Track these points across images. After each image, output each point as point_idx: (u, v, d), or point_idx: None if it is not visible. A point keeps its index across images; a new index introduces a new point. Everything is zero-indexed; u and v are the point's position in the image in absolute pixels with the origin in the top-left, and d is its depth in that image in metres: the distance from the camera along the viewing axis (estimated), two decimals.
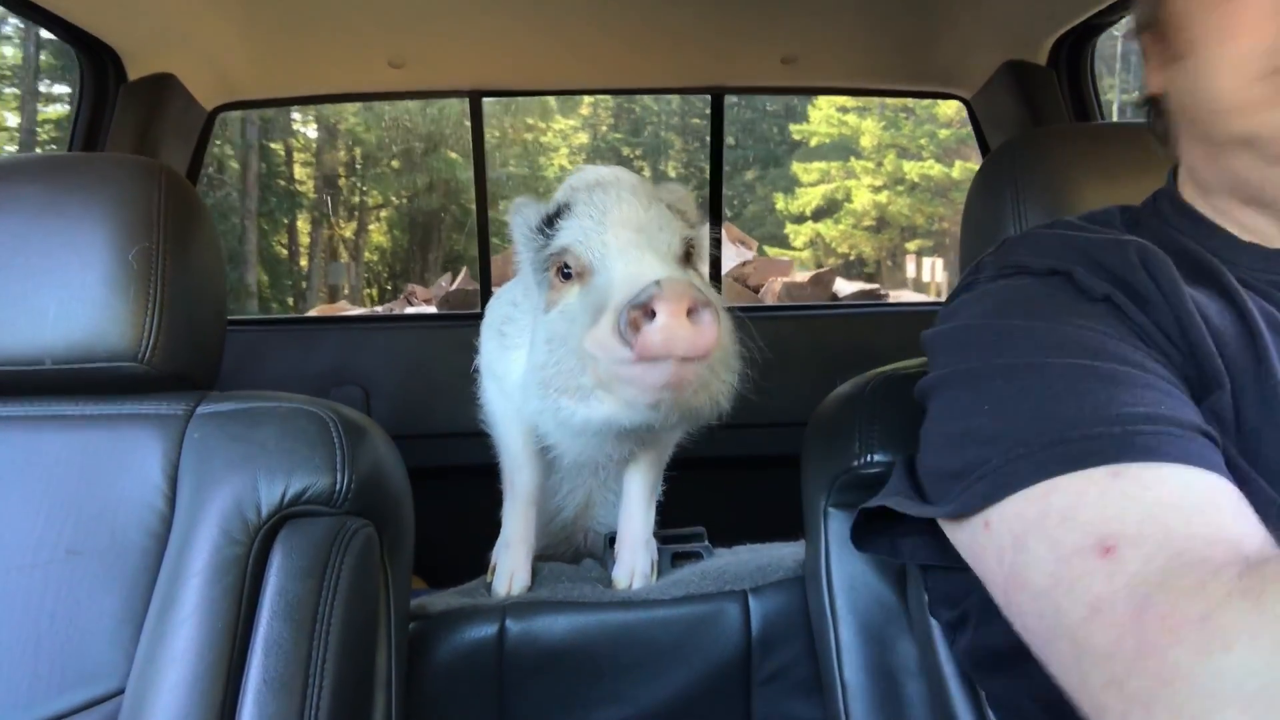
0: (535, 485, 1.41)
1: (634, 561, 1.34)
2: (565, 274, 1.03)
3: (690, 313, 0.83)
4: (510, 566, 1.34)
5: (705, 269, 1.15)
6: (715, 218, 2.54)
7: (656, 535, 1.41)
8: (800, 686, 1.21)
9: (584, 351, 0.92)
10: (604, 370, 0.91)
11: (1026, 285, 0.70)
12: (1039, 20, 1.89)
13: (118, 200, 0.91)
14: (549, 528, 1.55)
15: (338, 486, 0.90)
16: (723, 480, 2.22)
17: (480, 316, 2.69)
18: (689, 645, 1.24)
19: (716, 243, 2.62)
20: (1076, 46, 1.96)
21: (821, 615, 1.07)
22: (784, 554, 1.33)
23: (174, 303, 0.92)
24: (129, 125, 1.94)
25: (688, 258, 1.05)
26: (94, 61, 1.90)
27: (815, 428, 1.09)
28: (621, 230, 0.99)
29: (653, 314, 0.83)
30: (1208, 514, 0.54)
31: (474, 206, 2.58)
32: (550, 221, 1.07)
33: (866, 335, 2.35)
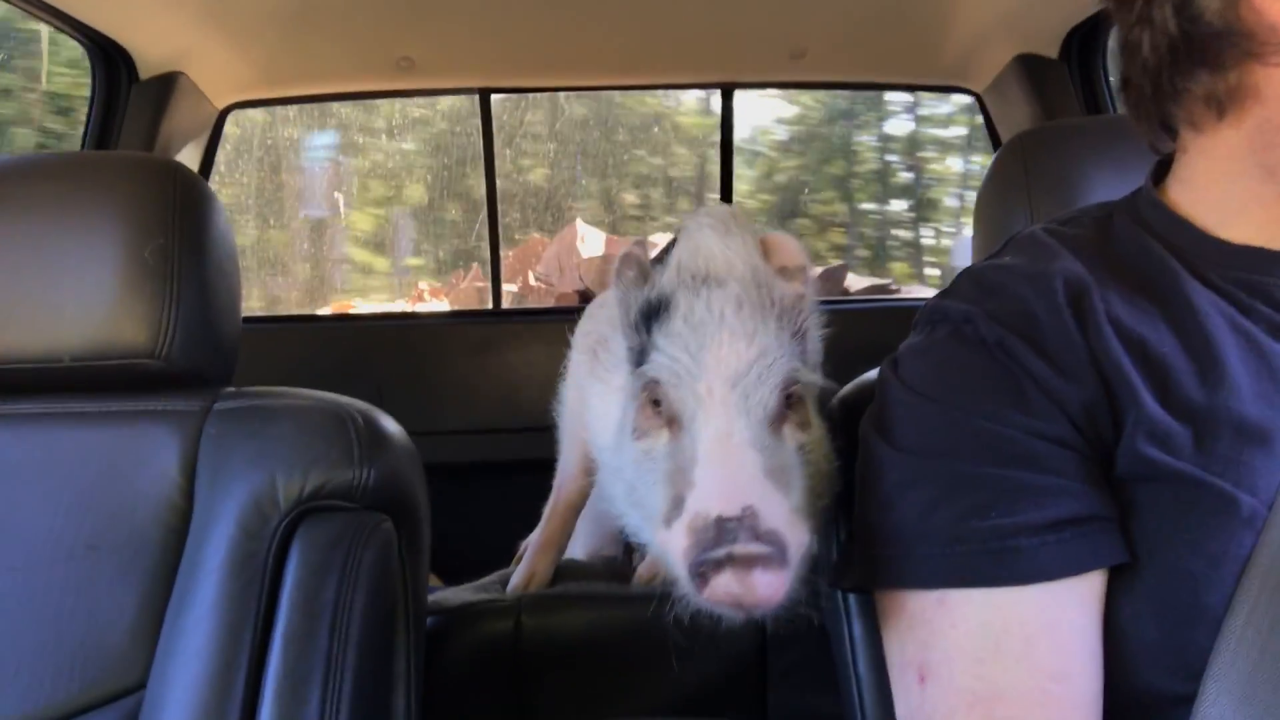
0: (583, 497, 1.40)
1: (659, 564, 1.34)
2: (655, 400, 0.93)
3: (764, 565, 0.79)
4: (534, 566, 1.34)
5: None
6: None
7: None
8: (815, 680, 1.21)
9: (659, 540, 0.88)
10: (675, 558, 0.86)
11: (940, 346, 0.72)
12: (1051, 13, 1.88)
13: (133, 198, 0.92)
14: (601, 521, 1.53)
15: (356, 481, 0.90)
16: None
17: (493, 314, 2.71)
18: (705, 639, 1.24)
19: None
20: (1088, 39, 1.95)
21: (835, 609, 1.07)
22: None
23: (190, 299, 0.93)
24: (141, 124, 1.95)
25: (789, 400, 0.91)
26: (106, 61, 1.91)
27: (828, 422, 1.09)
28: (716, 382, 0.88)
29: (722, 565, 0.78)
30: (987, 661, 0.62)
31: (485, 204, 2.59)
32: (648, 317, 0.94)
33: (878, 330, 2.34)
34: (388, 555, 0.90)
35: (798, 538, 0.84)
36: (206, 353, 0.96)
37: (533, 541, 1.38)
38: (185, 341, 0.92)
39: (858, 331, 2.40)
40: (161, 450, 0.91)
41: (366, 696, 0.85)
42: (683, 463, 0.87)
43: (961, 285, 0.75)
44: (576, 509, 1.39)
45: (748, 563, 0.78)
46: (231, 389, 0.98)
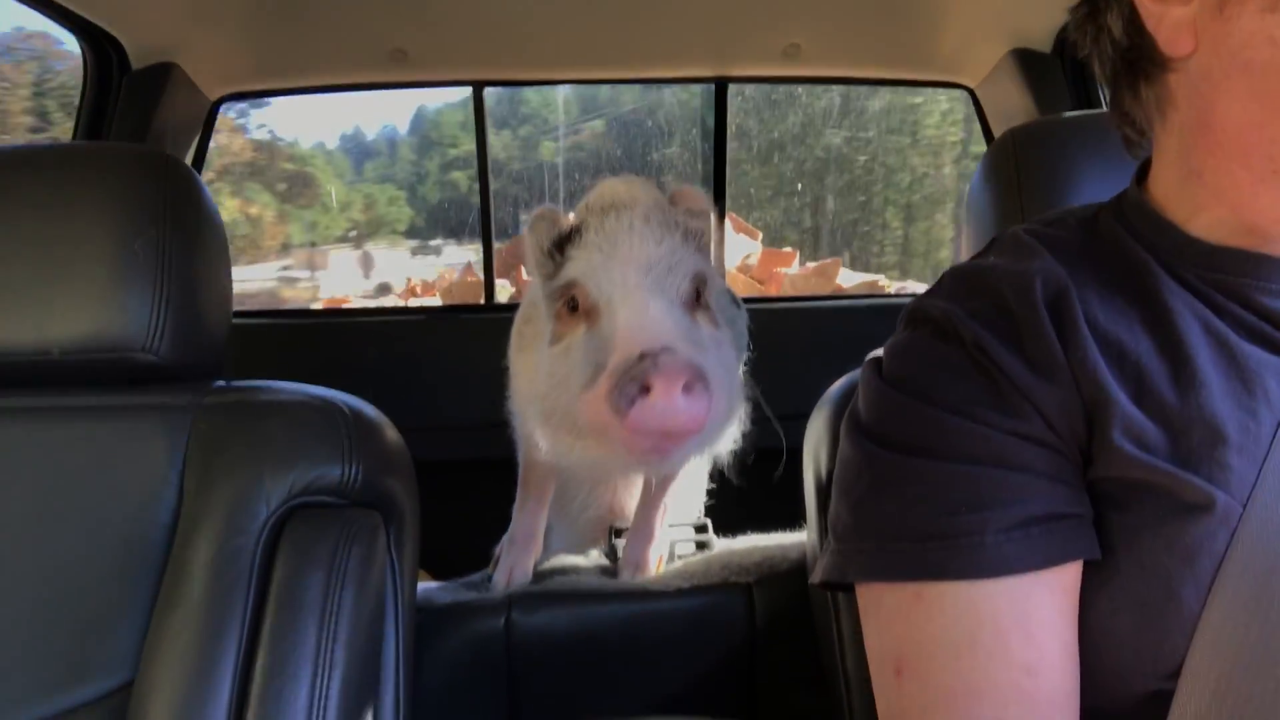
0: (549, 486, 1.41)
1: (639, 555, 1.35)
2: (572, 307, 0.99)
3: (686, 388, 0.83)
4: (512, 562, 1.35)
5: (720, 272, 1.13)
6: (719, 209, 2.54)
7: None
8: (804, 677, 1.22)
9: (580, 405, 0.91)
10: (596, 428, 0.90)
11: (920, 344, 0.73)
12: (1043, 8, 1.88)
13: (123, 190, 0.91)
14: (576, 524, 1.55)
15: (345, 477, 0.90)
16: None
17: (483, 309, 2.71)
18: (694, 636, 1.25)
19: (720, 233, 2.61)
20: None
21: (823, 607, 1.07)
22: (788, 546, 1.33)
23: (180, 292, 0.92)
24: (133, 115, 1.94)
25: (698, 295, 1.00)
26: (97, 51, 1.90)
27: (816, 419, 1.09)
28: (629, 270, 0.94)
29: (648, 388, 0.82)
30: (963, 656, 0.62)
31: (479, 197, 2.58)
32: (561, 245, 1.02)
33: (869, 326, 2.34)
34: (376, 551, 0.90)
35: (719, 380, 0.89)
36: (197, 346, 0.96)
37: (507, 539, 1.39)
38: (175, 335, 0.92)
39: (849, 326, 2.40)
40: (151, 444, 0.91)
41: (354, 693, 0.85)
42: (601, 341, 0.91)
43: (944, 284, 0.77)
44: (545, 500, 1.40)
45: (672, 378, 0.82)
46: (221, 383, 0.98)
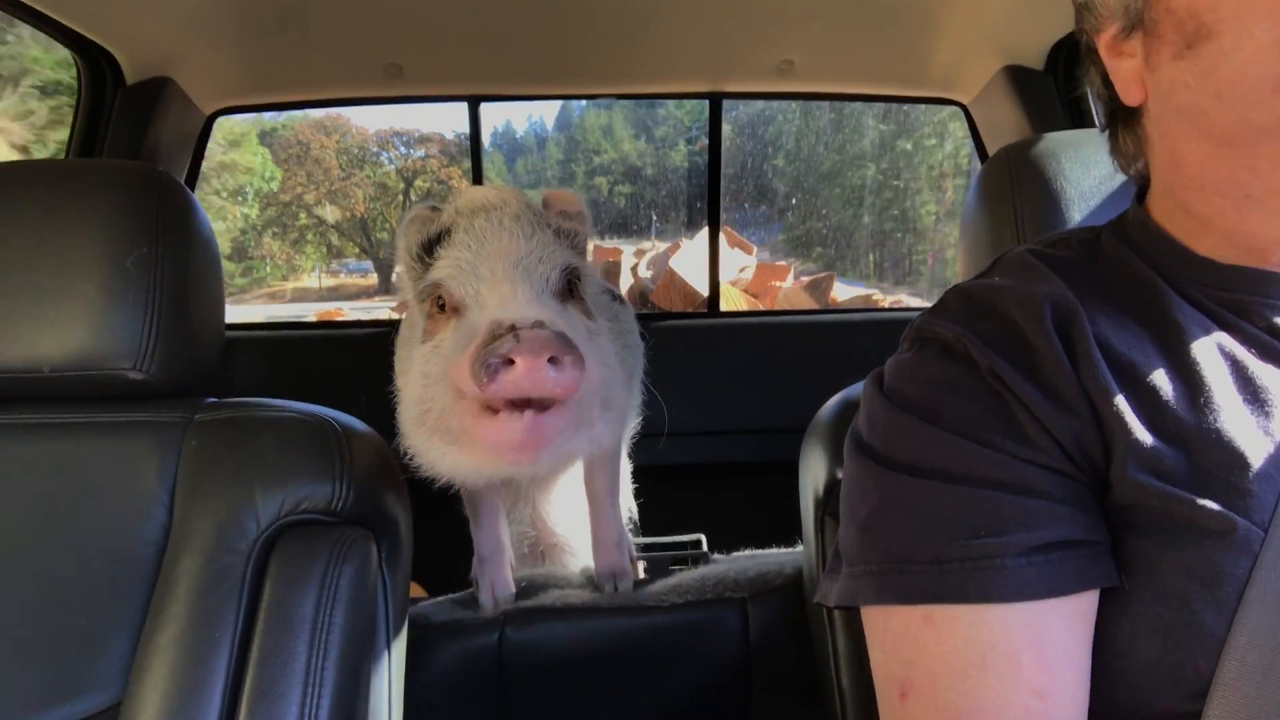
0: (494, 498, 1.40)
1: (610, 563, 1.34)
2: (441, 306, 0.99)
3: (552, 360, 0.82)
4: (490, 578, 1.34)
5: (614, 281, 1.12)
6: (713, 222, 2.54)
7: (656, 544, 1.41)
8: (799, 693, 1.21)
9: (451, 393, 0.91)
10: (464, 424, 0.90)
11: (930, 365, 0.72)
12: (1037, 25, 1.89)
13: (115, 206, 0.91)
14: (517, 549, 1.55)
15: (336, 495, 0.90)
16: (723, 486, 2.23)
17: None
18: (689, 652, 1.24)
19: (714, 247, 2.61)
20: (1074, 52, 1.96)
21: (819, 622, 1.06)
22: (783, 561, 1.33)
23: (172, 309, 0.92)
24: (127, 130, 1.94)
25: (571, 289, 1.00)
26: (92, 66, 1.90)
27: (812, 434, 1.09)
28: (497, 263, 0.95)
29: (511, 360, 0.81)
30: (972, 677, 0.62)
31: None
32: (430, 247, 1.02)
33: (864, 340, 2.35)
34: (367, 569, 0.90)
35: (591, 359, 0.88)
36: (188, 363, 0.95)
37: (475, 561, 1.38)
38: (166, 352, 0.92)
39: (843, 341, 2.40)
40: (142, 462, 0.90)
41: (345, 711, 0.84)
42: (470, 330, 0.90)
43: (950, 304, 0.76)
44: (495, 511, 1.40)
45: (536, 349, 0.80)
46: (213, 400, 0.97)
